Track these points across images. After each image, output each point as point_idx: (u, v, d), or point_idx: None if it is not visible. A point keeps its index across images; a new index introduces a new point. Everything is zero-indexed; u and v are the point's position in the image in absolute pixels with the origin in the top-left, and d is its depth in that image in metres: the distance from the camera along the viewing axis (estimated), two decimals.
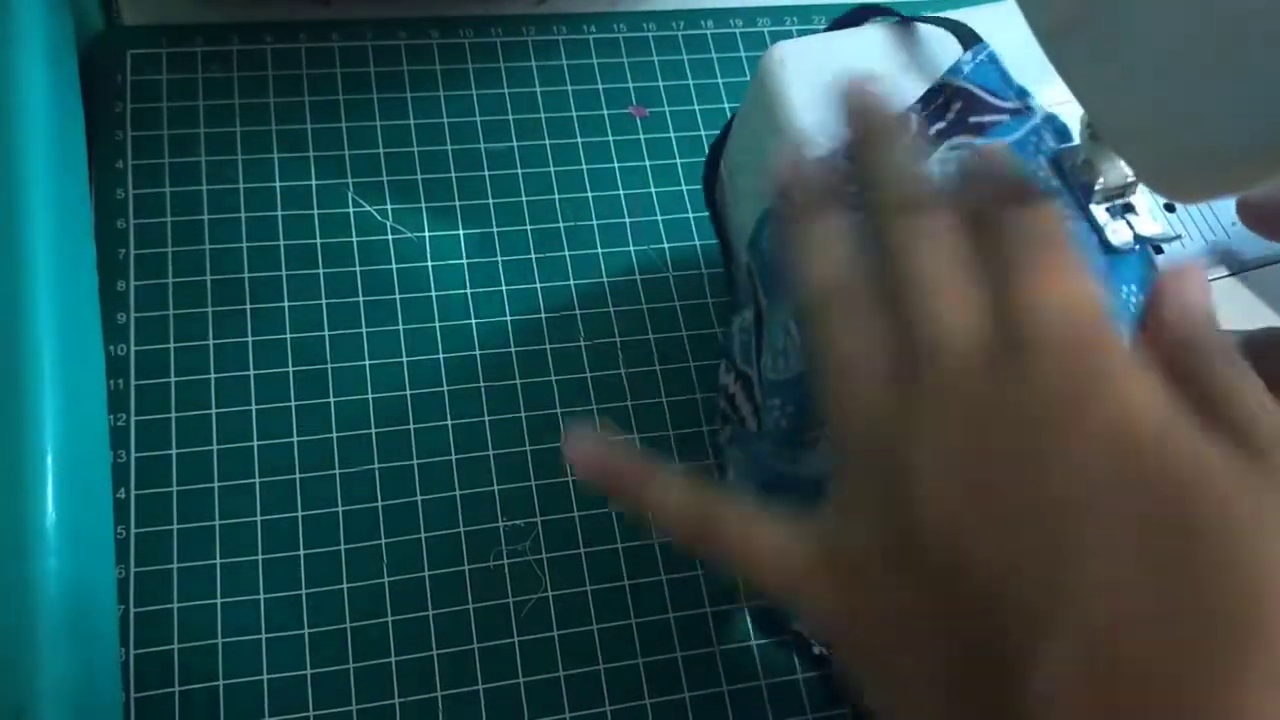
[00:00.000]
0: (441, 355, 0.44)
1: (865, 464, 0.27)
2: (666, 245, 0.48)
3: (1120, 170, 0.32)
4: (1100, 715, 0.22)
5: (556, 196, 0.48)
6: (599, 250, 0.47)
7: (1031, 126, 0.36)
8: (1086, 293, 0.27)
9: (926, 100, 0.37)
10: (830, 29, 0.40)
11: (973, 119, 0.36)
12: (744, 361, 0.38)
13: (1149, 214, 0.34)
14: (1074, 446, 0.24)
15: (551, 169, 0.49)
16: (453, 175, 0.48)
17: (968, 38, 0.37)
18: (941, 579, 0.25)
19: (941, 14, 0.38)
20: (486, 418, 0.43)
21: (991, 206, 0.28)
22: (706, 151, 0.44)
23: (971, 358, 0.26)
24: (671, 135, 0.51)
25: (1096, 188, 0.33)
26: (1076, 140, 0.35)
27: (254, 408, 0.42)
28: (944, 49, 0.38)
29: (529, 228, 0.47)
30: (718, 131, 0.43)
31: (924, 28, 0.38)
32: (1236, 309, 0.37)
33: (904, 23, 0.38)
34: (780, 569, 0.28)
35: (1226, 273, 0.38)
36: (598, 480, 0.31)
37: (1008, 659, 0.24)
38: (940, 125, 0.36)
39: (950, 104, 0.36)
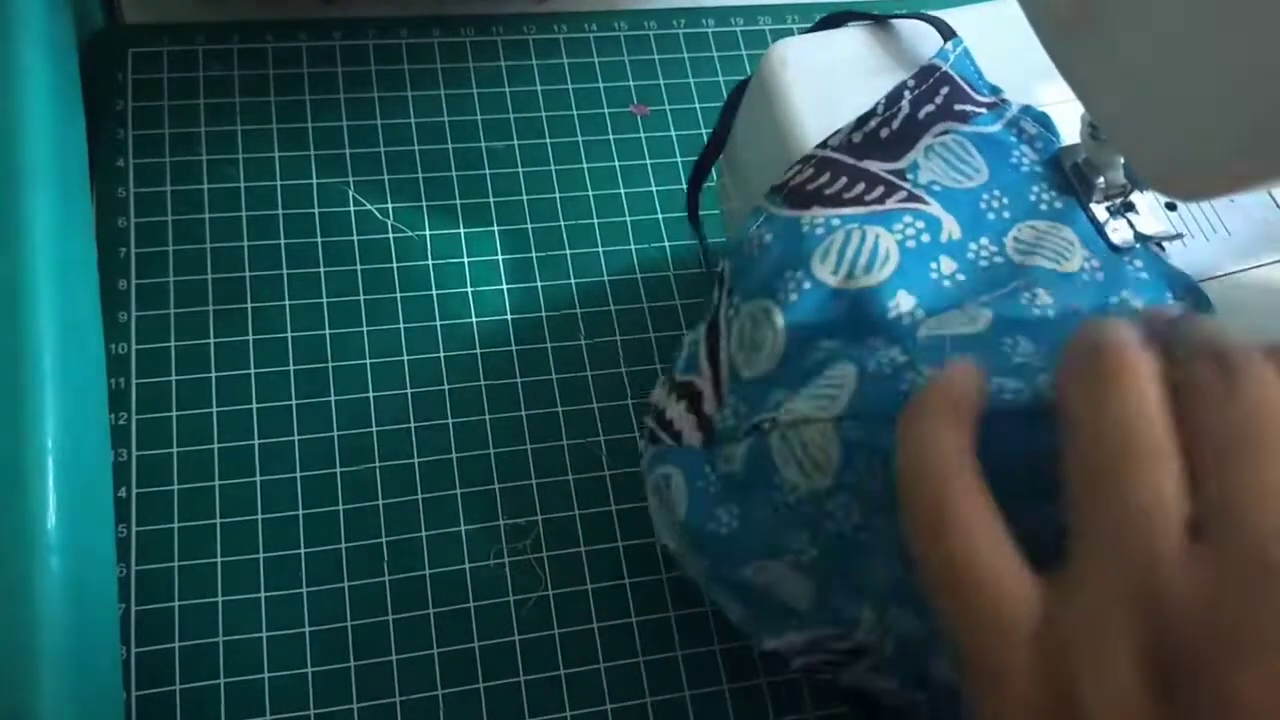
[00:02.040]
0: (442, 354, 0.44)
1: (1134, 569, 0.24)
2: (667, 244, 0.48)
3: (1121, 169, 0.32)
4: None
5: (557, 195, 0.48)
6: (600, 248, 0.47)
7: (1010, 117, 0.36)
8: None
9: (920, 77, 0.37)
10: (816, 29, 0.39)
11: (957, 106, 0.36)
12: (686, 371, 0.37)
13: (1150, 212, 0.34)
14: None
15: (552, 167, 0.49)
16: (453, 174, 0.48)
17: (946, 32, 0.37)
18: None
19: (938, 12, 0.38)
20: (487, 416, 0.43)
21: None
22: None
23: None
24: (672, 134, 0.51)
25: (1098, 186, 0.33)
26: (1061, 132, 0.35)
27: (254, 406, 0.42)
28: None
29: (530, 226, 0.47)
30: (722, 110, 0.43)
31: (922, 26, 0.38)
32: (1234, 308, 0.37)
33: (900, 21, 0.38)
34: (985, 605, 0.25)
35: (1225, 272, 0.37)
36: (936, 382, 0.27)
37: None
38: (929, 108, 0.36)
39: (939, 87, 0.36)
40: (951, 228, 0.34)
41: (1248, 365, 0.25)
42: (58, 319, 0.37)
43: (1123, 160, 0.33)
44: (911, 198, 0.34)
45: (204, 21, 0.49)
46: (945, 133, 0.36)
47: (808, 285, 0.33)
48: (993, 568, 0.25)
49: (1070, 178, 0.33)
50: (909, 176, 0.35)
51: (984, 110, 0.36)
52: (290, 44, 0.49)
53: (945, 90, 0.37)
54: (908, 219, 0.34)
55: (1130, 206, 0.33)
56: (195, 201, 0.45)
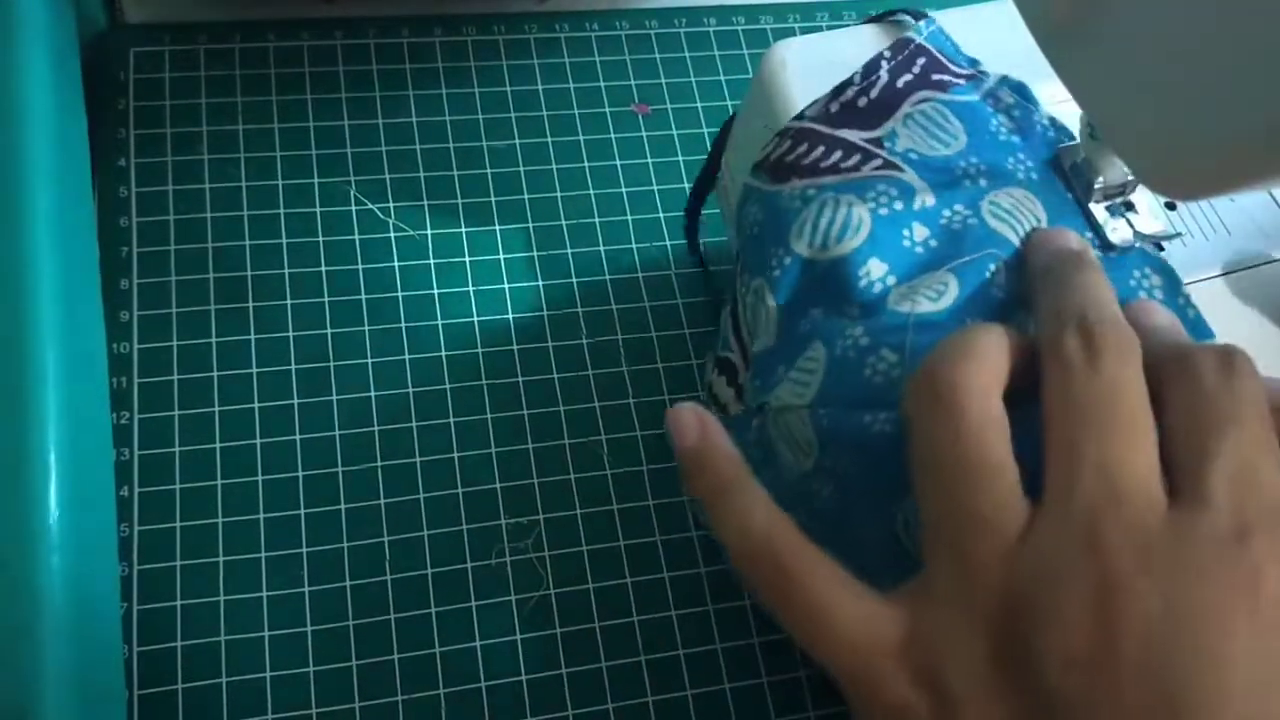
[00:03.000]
0: (444, 353, 0.44)
1: (977, 575, 0.26)
2: (669, 243, 0.48)
3: (1120, 169, 0.32)
4: None
5: (559, 194, 0.48)
6: (601, 248, 0.47)
7: (988, 88, 0.36)
8: (1275, 470, 0.25)
9: (896, 49, 0.37)
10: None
11: (935, 76, 0.36)
12: (723, 348, 0.38)
13: (1149, 212, 0.34)
14: (1226, 643, 0.24)
15: (554, 166, 0.49)
16: (455, 173, 0.48)
17: (917, 16, 0.38)
18: (1042, 710, 0.24)
19: (938, 13, 0.38)
20: (489, 415, 0.43)
21: (1188, 359, 0.27)
22: (708, 149, 0.44)
23: (1146, 512, 0.25)
24: (674, 132, 0.51)
25: (1096, 186, 0.33)
26: (1041, 100, 0.35)
27: (256, 405, 0.42)
28: None
29: (531, 225, 0.47)
30: (719, 129, 0.43)
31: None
32: (1234, 308, 0.37)
33: (904, 19, 0.38)
34: (848, 646, 0.26)
35: (1225, 271, 0.37)
36: (686, 460, 0.29)
37: None
38: (908, 77, 0.36)
39: (915, 58, 0.37)
40: (925, 195, 0.34)
41: (1110, 347, 0.26)
42: (60, 318, 0.37)
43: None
44: (887, 165, 0.35)
45: (205, 21, 0.49)
46: (923, 101, 0.36)
47: (788, 261, 0.34)
48: (842, 612, 0.27)
49: (1069, 177, 0.33)
50: (886, 144, 0.35)
51: (962, 81, 0.36)
52: (292, 43, 0.49)
53: (922, 61, 0.37)
54: (881, 187, 0.34)
55: (1130, 206, 0.33)
56: (197, 200, 0.45)
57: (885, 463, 0.29)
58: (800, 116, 0.36)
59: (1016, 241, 0.33)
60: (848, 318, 0.33)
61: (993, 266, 0.32)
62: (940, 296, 0.31)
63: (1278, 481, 0.25)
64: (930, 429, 0.27)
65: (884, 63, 0.37)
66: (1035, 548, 0.25)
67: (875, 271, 0.33)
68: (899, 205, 0.34)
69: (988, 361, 0.27)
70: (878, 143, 0.35)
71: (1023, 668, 0.25)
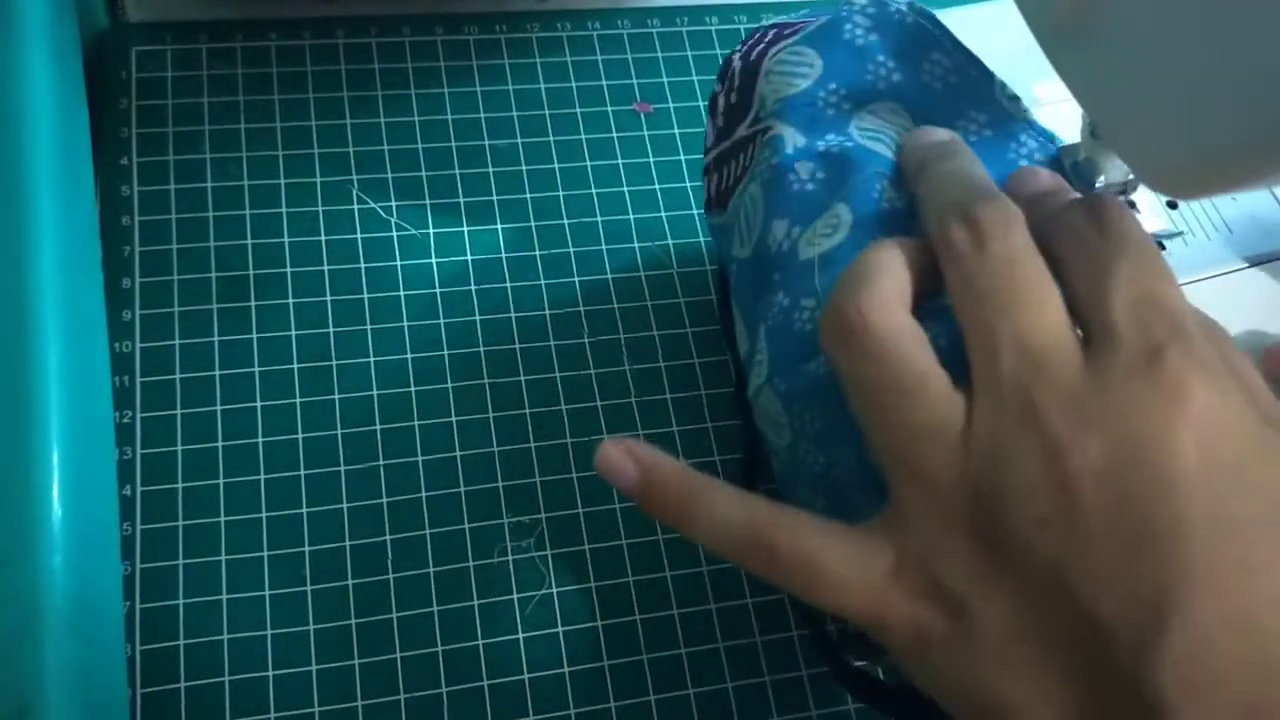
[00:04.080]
0: (446, 352, 0.44)
1: (936, 483, 0.27)
2: (671, 242, 0.48)
3: (1121, 167, 0.32)
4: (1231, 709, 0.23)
5: (560, 193, 0.48)
6: (603, 247, 0.47)
7: (840, 8, 0.37)
8: (1174, 292, 0.27)
9: (744, 41, 0.39)
10: None
11: (786, 31, 0.38)
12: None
13: (1151, 210, 0.34)
14: (1174, 461, 0.24)
15: (555, 165, 0.49)
16: (457, 172, 0.48)
17: None
18: (1041, 592, 0.25)
19: (938, 13, 0.38)
20: (491, 414, 0.43)
21: (1065, 211, 0.28)
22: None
23: (1067, 368, 0.26)
24: (675, 131, 0.51)
25: (1098, 185, 0.33)
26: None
27: (259, 404, 0.42)
28: None
29: (533, 224, 0.47)
30: None
31: None
32: (1236, 306, 0.37)
33: None
34: (846, 589, 0.27)
35: (1226, 270, 0.37)
36: (638, 498, 0.30)
37: (1120, 663, 0.24)
38: (759, 49, 0.38)
39: (766, 33, 0.39)
40: (795, 137, 0.35)
41: (992, 226, 0.28)
42: (62, 317, 0.37)
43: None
44: (762, 131, 0.36)
45: (207, 20, 0.49)
46: (777, 55, 0.37)
47: (734, 267, 0.37)
48: (835, 560, 0.27)
49: (1070, 176, 0.33)
50: (760, 114, 0.37)
51: (810, 22, 0.37)
52: (293, 42, 0.49)
53: (771, 33, 0.38)
54: (764, 154, 0.35)
55: (1131, 205, 0.33)
56: (199, 199, 0.45)
57: (842, 401, 0.30)
58: (707, 152, 0.40)
59: (891, 154, 0.34)
60: (771, 289, 0.34)
61: (879, 186, 0.33)
62: (835, 230, 0.32)
63: (1176, 297, 0.26)
64: (849, 361, 0.28)
65: (735, 56, 0.38)
66: (978, 434, 0.26)
67: (779, 232, 0.34)
68: (775, 159, 0.35)
69: (885, 279, 0.28)
70: (756, 118, 0.37)
71: (1004, 547, 0.25)
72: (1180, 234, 0.36)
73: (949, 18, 0.38)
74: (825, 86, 0.36)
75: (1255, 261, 0.38)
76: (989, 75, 0.35)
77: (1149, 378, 0.25)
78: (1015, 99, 0.35)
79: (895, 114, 0.35)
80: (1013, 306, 0.26)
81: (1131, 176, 0.32)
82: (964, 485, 0.26)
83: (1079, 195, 0.30)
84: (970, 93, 0.35)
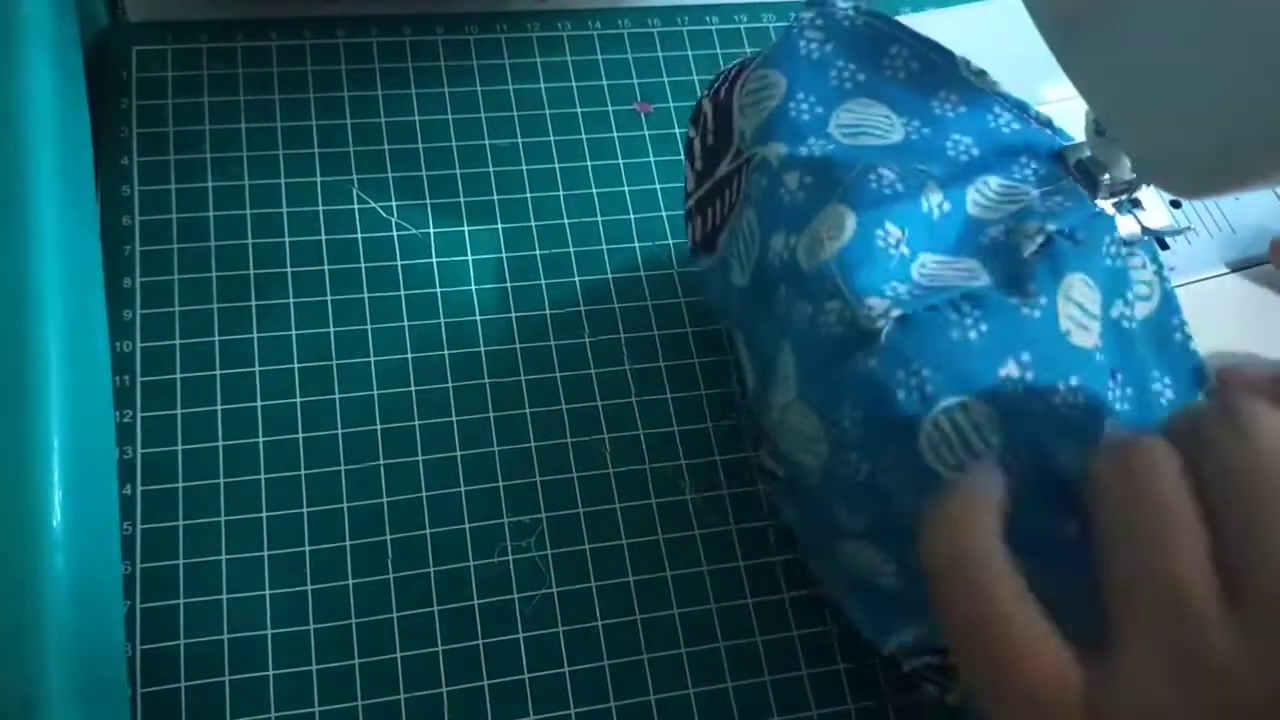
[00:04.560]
0: (446, 351, 0.44)
1: (1183, 653, 0.24)
2: (671, 241, 0.48)
3: (1126, 166, 0.32)
4: None
5: (561, 192, 0.48)
6: (604, 246, 0.47)
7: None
8: None
9: (710, 85, 0.40)
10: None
11: (751, 62, 0.39)
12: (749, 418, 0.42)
13: (1155, 209, 0.34)
14: None
15: (556, 165, 0.49)
16: (457, 171, 0.48)
17: None
18: None
19: (938, 12, 0.38)
20: (491, 414, 0.43)
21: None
22: None
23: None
24: (676, 131, 0.51)
25: (1103, 183, 0.33)
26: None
27: (259, 404, 0.42)
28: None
29: (534, 224, 0.47)
30: None
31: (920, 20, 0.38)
32: (1238, 305, 0.37)
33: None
34: (1034, 697, 0.25)
35: (1230, 269, 0.37)
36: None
37: None
38: (726, 86, 0.40)
39: (729, 72, 0.40)
40: (777, 152, 0.35)
41: (1249, 416, 0.25)
42: (63, 316, 0.37)
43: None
44: (746, 161, 0.37)
45: (207, 19, 0.49)
46: (745, 87, 0.38)
47: (734, 301, 0.37)
48: (1033, 653, 0.25)
49: (1075, 174, 0.33)
50: (741, 148, 0.37)
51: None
52: (294, 41, 0.49)
53: (734, 70, 0.39)
54: (751, 179, 0.36)
55: (1136, 203, 0.33)
56: (199, 199, 0.45)
57: (883, 397, 0.29)
58: (688, 196, 0.40)
59: (876, 142, 0.34)
60: (786, 302, 0.34)
61: (873, 177, 0.33)
62: (842, 230, 0.32)
63: None
64: (1124, 482, 0.26)
65: (704, 100, 0.40)
66: (1245, 626, 0.24)
67: (777, 244, 0.34)
68: (764, 179, 0.35)
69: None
70: (738, 152, 0.37)
71: None
72: (1184, 230, 0.36)
73: (950, 17, 0.38)
74: (794, 99, 0.36)
75: (1259, 262, 0.38)
76: (949, 55, 0.35)
77: None
78: (981, 73, 0.35)
79: (869, 107, 0.35)
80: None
81: (1136, 174, 0.32)
82: (1214, 666, 0.24)
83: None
84: (935, 75, 0.35)
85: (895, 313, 0.30)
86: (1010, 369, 0.29)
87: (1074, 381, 0.30)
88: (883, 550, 0.33)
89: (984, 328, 0.30)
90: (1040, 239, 0.31)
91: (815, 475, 0.34)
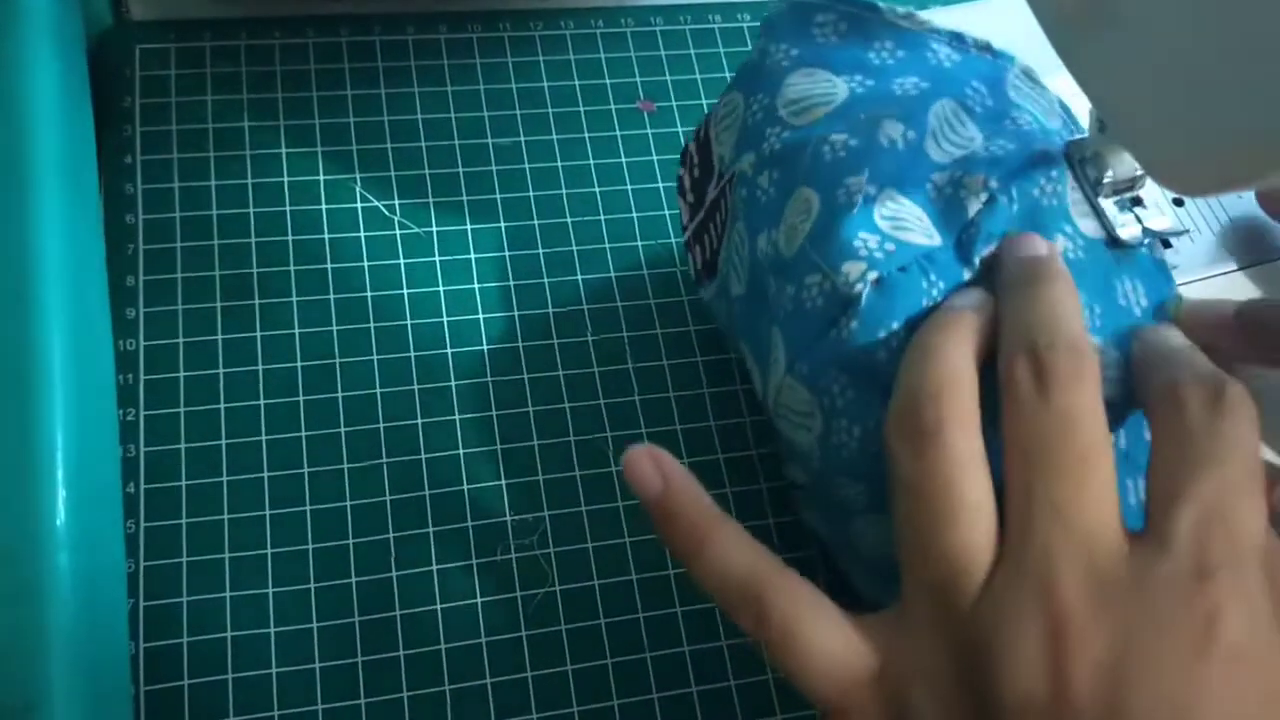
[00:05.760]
0: (449, 350, 0.44)
1: (949, 610, 0.26)
2: (674, 240, 0.48)
3: (1129, 164, 0.32)
4: None
5: (564, 191, 0.48)
6: (606, 245, 0.47)
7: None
8: (1252, 515, 0.25)
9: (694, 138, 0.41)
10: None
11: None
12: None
13: (1157, 208, 0.34)
14: (1182, 691, 0.24)
15: (559, 164, 0.49)
16: (460, 170, 0.48)
17: None
18: None
19: (939, 11, 0.38)
20: (494, 412, 0.43)
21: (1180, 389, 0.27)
22: None
23: (1103, 552, 0.25)
24: (679, 130, 0.51)
25: (1105, 181, 0.33)
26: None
27: (262, 402, 0.42)
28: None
29: (536, 223, 0.47)
30: None
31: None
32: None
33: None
34: (823, 676, 0.27)
35: (1232, 268, 0.37)
36: (654, 511, 0.29)
37: None
38: (705, 127, 0.41)
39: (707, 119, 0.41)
40: (748, 161, 0.37)
41: (1059, 376, 0.26)
42: (66, 315, 0.37)
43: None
44: (728, 181, 0.38)
45: (211, 18, 0.49)
46: (715, 114, 0.39)
47: (737, 309, 0.38)
48: (820, 644, 0.27)
49: (1078, 172, 0.33)
50: (721, 171, 0.38)
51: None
52: (297, 40, 0.49)
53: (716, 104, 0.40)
54: (734, 195, 0.37)
55: (1139, 201, 0.33)
56: (203, 198, 0.45)
57: (868, 362, 0.30)
58: (684, 229, 0.42)
59: (826, 111, 0.35)
60: (774, 293, 0.35)
61: (826, 149, 0.34)
62: (810, 211, 0.33)
63: (1252, 526, 0.25)
64: (913, 467, 0.27)
65: (689, 144, 0.41)
66: (994, 590, 0.25)
67: (762, 243, 0.35)
68: (744, 190, 0.37)
69: (964, 385, 0.27)
70: (719, 176, 0.39)
71: (985, 705, 0.25)
72: (1186, 231, 0.36)
73: (950, 16, 0.38)
74: (749, 106, 0.37)
75: (1261, 261, 0.38)
76: (874, 7, 0.36)
77: (1186, 597, 0.24)
78: (909, 15, 0.36)
79: (809, 77, 0.36)
80: (1057, 473, 0.26)
81: (1139, 172, 0.32)
82: (968, 632, 0.25)
83: (1207, 364, 0.28)
84: (865, 27, 0.36)
85: (871, 276, 0.31)
86: None
87: None
88: (889, 517, 0.33)
89: (942, 290, 0.31)
90: (984, 197, 0.32)
91: (815, 455, 0.34)
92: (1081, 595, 0.24)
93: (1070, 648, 0.24)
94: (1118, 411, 0.29)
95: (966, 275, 0.31)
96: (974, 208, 0.32)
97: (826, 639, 0.27)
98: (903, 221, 0.32)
